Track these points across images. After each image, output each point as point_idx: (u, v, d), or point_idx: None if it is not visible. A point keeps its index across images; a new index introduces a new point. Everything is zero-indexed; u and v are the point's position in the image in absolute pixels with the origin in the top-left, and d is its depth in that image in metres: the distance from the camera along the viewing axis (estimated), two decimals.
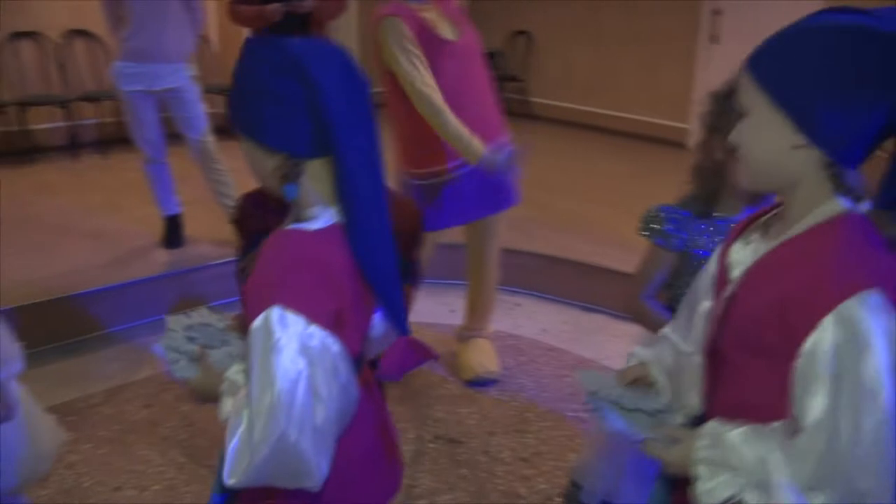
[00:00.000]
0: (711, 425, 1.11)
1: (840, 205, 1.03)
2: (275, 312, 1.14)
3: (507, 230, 3.28)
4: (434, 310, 3.76)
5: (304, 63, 1.15)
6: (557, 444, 2.82)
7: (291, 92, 1.16)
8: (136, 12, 3.72)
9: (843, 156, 1.00)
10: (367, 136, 1.22)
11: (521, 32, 7.77)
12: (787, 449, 1.00)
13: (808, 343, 0.96)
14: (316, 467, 1.17)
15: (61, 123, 6.34)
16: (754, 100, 1.04)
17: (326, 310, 1.18)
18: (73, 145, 6.30)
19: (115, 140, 6.60)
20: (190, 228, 4.24)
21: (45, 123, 6.41)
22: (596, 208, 4.79)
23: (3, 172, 5.53)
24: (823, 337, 0.95)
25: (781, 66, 1.00)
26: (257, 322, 1.15)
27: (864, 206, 1.03)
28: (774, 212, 1.15)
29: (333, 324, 1.19)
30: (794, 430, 1.00)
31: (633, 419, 1.24)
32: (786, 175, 1.05)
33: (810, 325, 0.96)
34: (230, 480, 1.16)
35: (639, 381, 1.36)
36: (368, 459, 1.42)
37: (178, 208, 4.18)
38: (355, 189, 1.21)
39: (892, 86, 0.95)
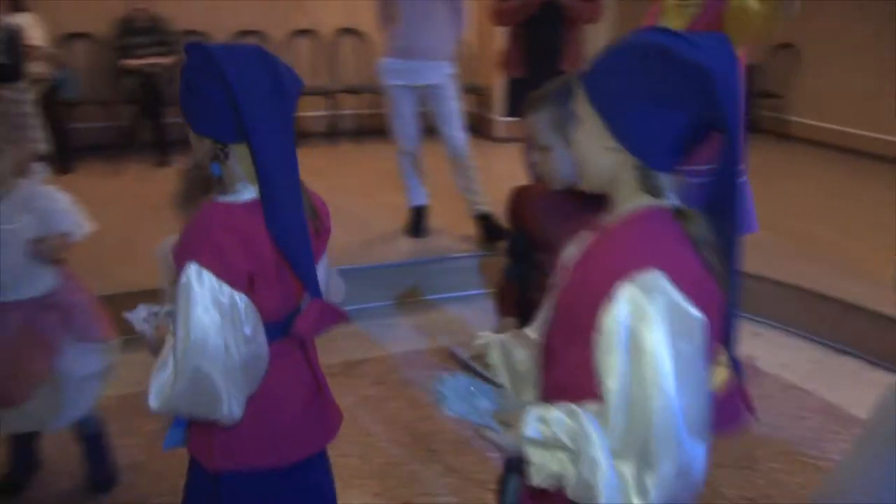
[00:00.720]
0: (536, 407, 1.18)
1: (647, 202, 1.15)
2: (192, 269, 1.37)
3: (758, 256, 3.09)
4: None
5: (223, 67, 1.35)
6: (789, 490, 2.60)
7: (212, 91, 1.38)
8: (406, 12, 3.94)
9: (651, 160, 1.13)
10: (281, 129, 1.42)
11: (786, 45, 7.27)
12: (597, 422, 1.08)
13: (605, 320, 1.07)
14: (226, 401, 1.40)
15: (325, 112, 6.88)
16: (582, 105, 1.17)
17: (238, 271, 1.39)
18: (334, 133, 6.81)
19: (370, 130, 7.06)
20: (434, 220, 4.42)
21: (312, 111, 6.99)
22: (858, 241, 4.36)
23: None
24: (615, 314, 1.06)
25: (601, 76, 1.14)
26: (182, 279, 1.38)
27: (670, 203, 1.15)
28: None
29: (245, 284, 1.40)
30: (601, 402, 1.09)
31: (474, 407, 1.33)
32: (605, 175, 1.18)
33: (607, 303, 1.07)
34: (154, 405, 1.42)
35: (478, 358, 1.46)
36: (297, 415, 1.58)
37: (425, 199, 4.37)
38: (266, 172, 1.40)
39: (688, 104, 1.07)
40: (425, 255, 4.13)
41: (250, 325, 1.42)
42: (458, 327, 3.72)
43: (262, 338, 1.45)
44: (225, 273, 1.38)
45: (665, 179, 1.15)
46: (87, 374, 2.32)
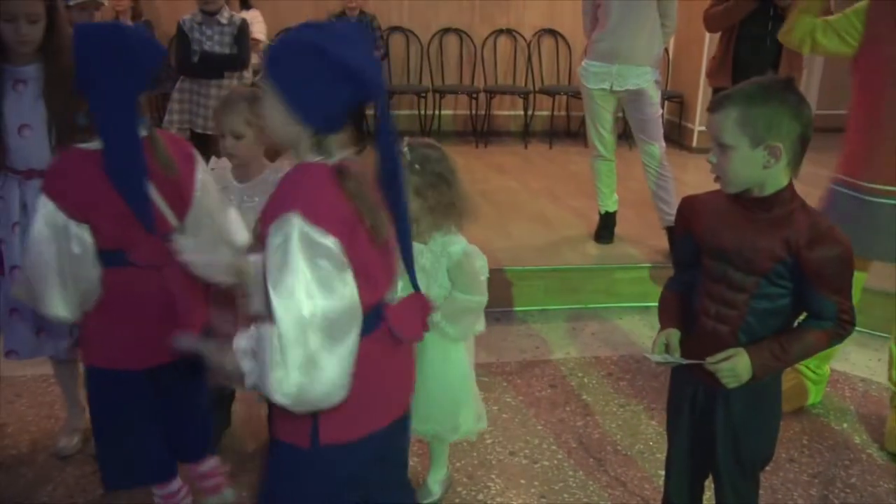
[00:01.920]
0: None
1: (310, 159, 1.44)
2: (42, 198, 1.83)
3: None
4: (867, 363, 3.36)
5: (77, 39, 1.79)
6: None
7: (76, 57, 1.79)
8: (613, 15, 3.87)
9: (321, 127, 1.42)
10: (119, 90, 1.79)
11: None
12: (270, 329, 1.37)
13: (267, 251, 1.38)
14: (46, 301, 1.85)
15: (519, 112, 6.93)
16: (266, 83, 1.43)
17: (72, 202, 1.81)
18: (525, 133, 6.84)
19: (561, 132, 7.04)
20: (625, 228, 4.36)
21: (506, 111, 7.06)
22: None
23: (466, 149, 6.25)
24: (270, 241, 1.37)
25: (277, 64, 1.42)
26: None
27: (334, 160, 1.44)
28: None
29: (79, 213, 1.81)
30: None
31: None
32: (288, 139, 1.46)
33: (266, 232, 1.39)
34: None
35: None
36: (147, 329, 1.93)
37: (614, 206, 4.30)
38: (101, 125, 1.81)
39: (344, 91, 1.38)
40: (611, 262, 4.07)
41: (79, 246, 1.83)
42: (636, 338, 3.64)
43: (89, 259, 1.86)
44: (61, 202, 1.81)
45: (333, 140, 1.43)
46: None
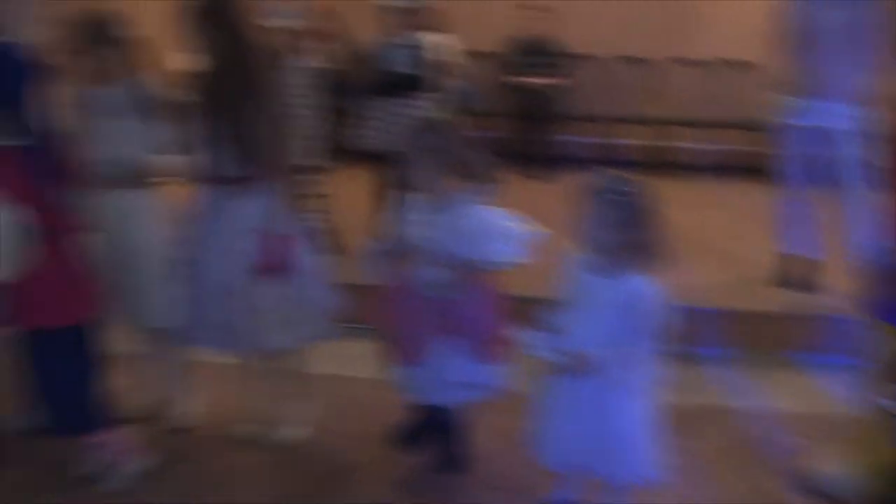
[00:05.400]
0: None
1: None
2: None
3: None
4: None
5: None
6: None
7: None
8: (818, 47, 3.65)
9: None
10: None
11: None
12: None
13: None
14: None
15: (705, 146, 6.73)
16: None
17: None
18: (714, 168, 6.60)
19: (751, 169, 6.57)
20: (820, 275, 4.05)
21: (690, 143, 6.82)
22: None
23: (646, 181, 6.06)
24: None
25: None
26: None
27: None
28: None
29: None
30: None
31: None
32: None
33: None
34: None
35: None
36: (53, 286, 2.28)
37: (805, 250, 4.01)
38: None
39: None
40: (797, 309, 3.82)
41: None
42: (816, 395, 3.39)
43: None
44: None
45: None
46: (457, 381, 2.44)
